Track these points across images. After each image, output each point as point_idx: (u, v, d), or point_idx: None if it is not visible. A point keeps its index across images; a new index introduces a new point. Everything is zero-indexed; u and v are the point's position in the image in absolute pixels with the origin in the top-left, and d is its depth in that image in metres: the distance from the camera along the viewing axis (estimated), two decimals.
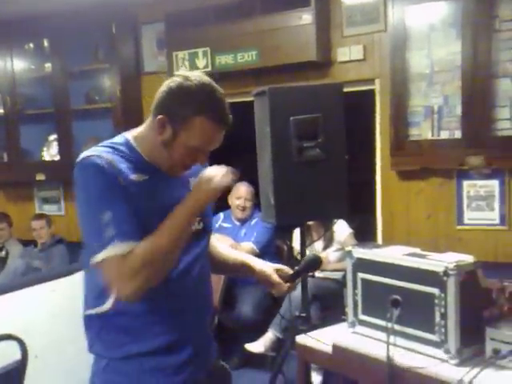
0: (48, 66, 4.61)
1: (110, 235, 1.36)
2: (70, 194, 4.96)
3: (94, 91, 4.59)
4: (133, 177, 1.43)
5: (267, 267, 1.74)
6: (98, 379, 1.59)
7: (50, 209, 5.01)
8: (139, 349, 1.50)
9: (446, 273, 1.99)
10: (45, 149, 4.83)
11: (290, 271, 1.77)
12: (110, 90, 4.46)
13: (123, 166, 1.43)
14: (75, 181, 1.44)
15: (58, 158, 4.70)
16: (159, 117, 1.44)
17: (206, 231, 1.62)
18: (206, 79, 1.47)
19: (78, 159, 1.45)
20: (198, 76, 1.47)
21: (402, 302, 2.08)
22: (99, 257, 1.38)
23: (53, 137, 4.76)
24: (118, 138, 1.55)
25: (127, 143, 1.51)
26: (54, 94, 4.60)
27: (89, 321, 1.61)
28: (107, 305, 1.51)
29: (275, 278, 1.72)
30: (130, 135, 1.55)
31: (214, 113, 1.43)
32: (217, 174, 1.44)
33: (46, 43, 4.62)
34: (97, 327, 1.58)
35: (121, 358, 1.52)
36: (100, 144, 1.52)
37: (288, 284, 1.74)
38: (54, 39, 4.52)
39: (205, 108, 1.42)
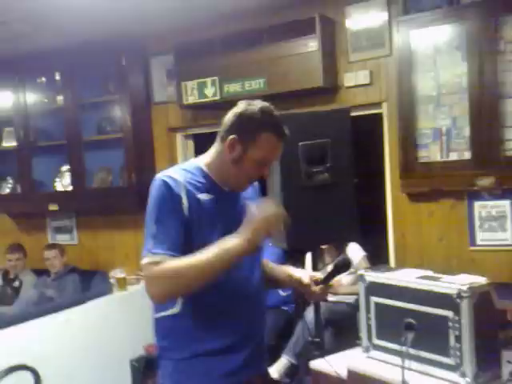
0: (60, 98, 4.70)
1: (150, 246, 1.59)
2: (83, 223, 5.01)
3: (106, 122, 4.66)
4: (200, 196, 1.65)
5: (304, 274, 1.88)
6: (167, 381, 1.74)
7: (62, 238, 5.05)
8: (202, 349, 1.65)
9: (459, 295, 1.98)
10: (57, 179, 4.89)
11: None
12: (120, 121, 4.53)
13: (192, 187, 1.65)
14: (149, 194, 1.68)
15: (70, 188, 4.75)
16: (230, 137, 1.67)
17: (258, 249, 1.76)
18: (265, 103, 1.72)
19: (155, 177, 1.69)
20: (258, 102, 1.74)
21: (416, 326, 2.06)
22: (142, 261, 1.60)
23: (65, 167, 4.82)
24: (189, 164, 1.76)
25: (198, 168, 1.73)
26: (66, 125, 4.67)
27: (158, 323, 1.75)
28: (176, 308, 1.67)
29: (307, 281, 1.83)
30: (200, 161, 1.76)
31: (275, 128, 1.68)
32: (268, 219, 1.59)
33: (57, 76, 4.71)
34: (166, 329, 1.73)
35: (187, 358, 1.67)
36: (175, 167, 1.74)
37: (320, 286, 1.84)
38: (65, 72, 4.61)
39: (269, 125, 1.67)
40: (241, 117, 1.70)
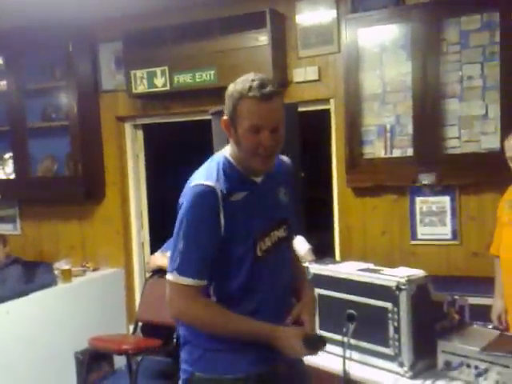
0: (3, 83, 4.53)
1: (175, 265, 1.62)
2: (26, 213, 4.88)
3: (51, 109, 4.54)
4: (233, 197, 1.63)
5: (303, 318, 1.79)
6: (192, 367, 1.72)
7: (4, 228, 4.89)
8: (228, 341, 1.66)
9: (398, 287, 2.06)
10: (0, 167, 4.74)
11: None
12: (67, 108, 4.42)
13: (226, 186, 1.63)
14: (182, 200, 1.66)
15: (13, 176, 4.61)
16: (222, 120, 1.67)
17: (288, 239, 1.81)
18: (249, 75, 1.66)
19: (191, 184, 1.66)
20: (246, 75, 1.66)
21: (357, 317, 2.13)
22: (168, 276, 1.65)
23: (8, 155, 4.67)
24: (218, 158, 1.72)
25: (227, 161, 1.70)
26: (10, 111, 4.52)
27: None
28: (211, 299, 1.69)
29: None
30: (226, 153, 1.73)
31: (250, 91, 1.59)
32: (295, 348, 1.62)
33: (0, 60, 4.54)
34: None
35: (213, 348, 1.68)
36: (207, 166, 1.70)
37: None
38: (9, 56, 4.45)
39: (243, 93, 1.60)
40: (226, 97, 1.67)
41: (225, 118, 1.67)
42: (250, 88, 1.60)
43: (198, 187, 1.62)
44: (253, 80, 1.61)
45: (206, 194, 1.61)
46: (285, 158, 1.87)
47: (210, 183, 1.62)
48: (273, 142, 1.63)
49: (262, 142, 1.62)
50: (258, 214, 1.69)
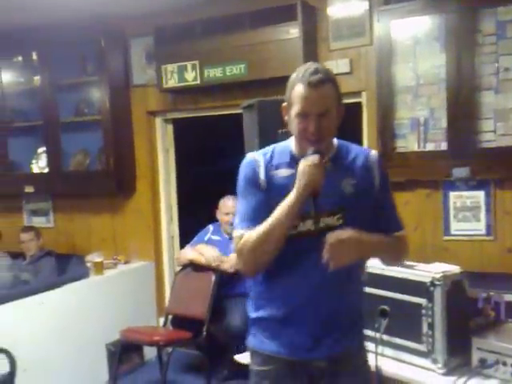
0: (37, 78, 4.60)
1: (237, 221, 1.77)
2: (59, 206, 4.96)
3: (83, 104, 4.60)
4: (280, 172, 1.75)
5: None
6: (249, 337, 1.91)
7: (38, 221, 4.99)
8: (263, 314, 1.80)
9: (432, 283, 2.03)
10: (34, 161, 4.83)
11: None
12: (99, 103, 4.47)
13: (271, 164, 1.76)
14: None
15: (46, 170, 4.69)
16: (282, 106, 1.77)
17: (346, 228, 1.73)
18: (309, 63, 1.76)
19: None
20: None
21: (390, 313, 2.11)
22: (233, 235, 1.79)
23: (42, 149, 4.75)
24: (283, 142, 1.84)
25: (285, 144, 1.82)
26: (43, 106, 4.59)
27: (250, 289, 1.90)
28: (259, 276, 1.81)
29: None
30: (291, 138, 1.83)
31: (302, 78, 1.69)
32: (306, 169, 1.65)
33: (34, 56, 4.61)
34: (252, 293, 1.87)
35: (256, 319, 1.84)
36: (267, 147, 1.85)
37: None
38: (42, 52, 4.51)
39: (296, 79, 1.71)
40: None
41: (284, 104, 1.76)
42: (303, 75, 1.69)
43: (245, 158, 1.82)
44: (308, 68, 1.71)
45: (247, 163, 1.80)
46: (371, 152, 1.86)
47: (255, 155, 1.80)
48: (318, 128, 1.68)
49: (307, 128, 1.69)
50: (316, 194, 1.68)
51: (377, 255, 1.85)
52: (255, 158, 1.79)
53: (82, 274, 4.07)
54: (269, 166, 1.76)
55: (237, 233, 1.75)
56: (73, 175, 4.62)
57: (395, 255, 1.86)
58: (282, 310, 1.77)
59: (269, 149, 1.82)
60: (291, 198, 1.65)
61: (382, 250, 1.81)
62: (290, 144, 1.80)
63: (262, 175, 1.75)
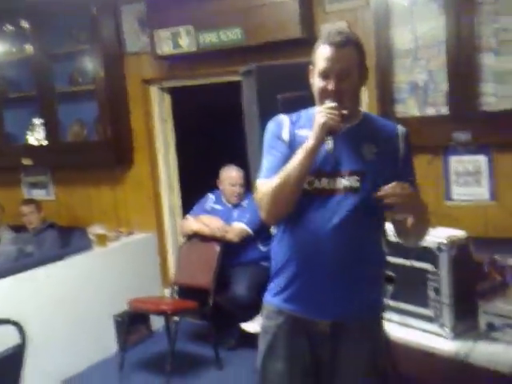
0: (28, 47, 4.52)
1: (260, 174, 1.82)
2: (59, 178, 4.94)
3: (77, 73, 4.53)
4: (302, 132, 1.79)
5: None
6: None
7: (38, 194, 4.97)
8: (277, 270, 1.86)
9: (439, 248, 2.05)
10: (29, 133, 4.77)
11: None
12: (93, 72, 4.40)
13: (295, 125, 1.83)
14: None
15: (44, 142, 4.65)
16: (309, 69, 1.82)
17: (360, 192, 1.75)
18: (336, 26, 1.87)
19: None
20: None
21: (396, 279, 2.14)
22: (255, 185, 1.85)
23: (37, 120, 4.69)
24: (314, 107, 1.85)
25: (311, 108, 1.84)
26: (36, 76, 4.52)
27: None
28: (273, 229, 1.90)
29: None
30: None
31: (325, 38, 1.75)
32: (323, 110, 1.69)
33: (26, 25, 4.51)
34: (271, 251, 1.92)
35: (272, 275, 1.89)
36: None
37: None
38: (34, 21, 4.42)
39: (321, 40, 1.77)
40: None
41: (310, 66, 1.81)
42: (327, 36, 1.74)
43: (274, 117, 1.90)
44: (333, 29, 1.77)
45: (274, 121, 1.88)
46: (397, 126, 1.86)
47: (282, 116, 1.88)
48: (338, 88, 1.71)
49: (327, 88, 1.72)
50: (323, 154, 1.73)
51: (420, 222, 1.80)
52: (281, 118, 1.87)
53: (86, 246, 4.08)
54: (293, 126, 1.83)
55: (259, 183, 1.81)
56: (71, 146, 4.59)
57: (427, 227, 1.86)
58: (293, 266, 1.81)
59: (296, 113, 1.88)
60: (309, 141, 1.70)
61: (426, 219, 1.81)
62: (315, 109, 1.81)
63: (285, 132, 1.82)
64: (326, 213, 1.73)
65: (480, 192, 3.41)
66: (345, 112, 1.71)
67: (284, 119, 1.85)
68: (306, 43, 3.69)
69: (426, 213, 1.80)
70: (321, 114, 1.68)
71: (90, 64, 4.43)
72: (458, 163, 3.45)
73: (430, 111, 3.40)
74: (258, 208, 1.80)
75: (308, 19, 3.70)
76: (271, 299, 1.89)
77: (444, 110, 3.34)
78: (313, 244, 1.75)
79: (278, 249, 1.87)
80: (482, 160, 3.38)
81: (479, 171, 3.40)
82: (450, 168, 3.46)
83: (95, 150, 4.43)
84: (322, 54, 1.73)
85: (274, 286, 1.89)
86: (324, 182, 1.75)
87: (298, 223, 1.77)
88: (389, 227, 1.86)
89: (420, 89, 3.43)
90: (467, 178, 3.44)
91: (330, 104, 1.70)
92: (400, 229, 1.82)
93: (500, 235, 3.25)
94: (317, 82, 1.76)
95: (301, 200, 1.74)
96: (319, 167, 1.74)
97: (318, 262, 1.75)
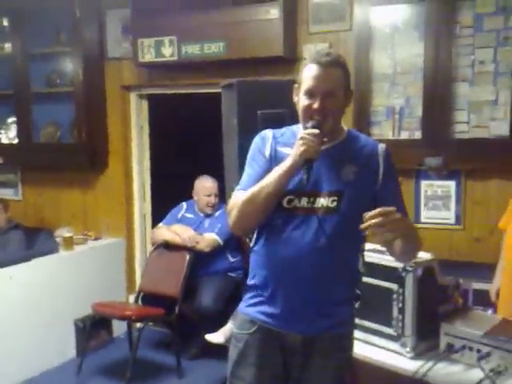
0: (8, 46, 4.47)
1: (238, 186, 1.86)
2: (28, 179, 4.86)
3: (56, 75, 4.49)
4: (283, 150, 1.82)
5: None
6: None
7: (5, 193, 4.88)
8: (253, 282, 1.88)
9: (404, 269, 2.08)
10: (2, 131, 4.70)
11: None
12: (72, 74, 4.37)
13: (278, 142, 1.85)
14: None
15: (16, 141, 4.59)
16: (294, 87, 1.85)
17: (338, 212, 1.77)
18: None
19: None
20: None
21: (362, 296, 2.15)
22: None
23: (11, 119, 4.63)
24: (297, 124, 1.88)
25: (296, 126, 1.87)
26: (14, 75, 4.47)
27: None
28: (252, 242, 1.91)
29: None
30: None
31: (313, 58, 1.78)
32: (304, 137, 1.70)
33: (5, 22, 4.47)
34: (250, 262, 1.94)
35: (248, 286, 1.91)
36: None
37: None
38: (15, 18, 4.38)
39: (308, 60, 1.80)
40: None
41: (295, 85, 1.83)
42: (315, 56, 1.78)
43: (260, 132, 1.93)
44: (321, 51, 1.85)
45: (259, 136, 1.90)
46: (379, 145, 1.86)
47: (267, 131, 1.90)
48: (323, 107, 1.73)
49: (312, 107, 1.74)
50: (310, 164, 1.74)
51: (410, 243, 1.79)
52: (266, 133, 1.89)
53: (52, 249, 4.02)
54: (275, 142, 1.85)
55: (234, 193, 1.84)
56: (43, 147, 4.53)
57: (417, 246, 1.85)
58: (268, 279, 1.83)
59: (282, 129, 1.91)
60: (286, 162, 1.72)
61: (416, 239, 1.80)
62: (299, 127, 1.84)
63: (267, 148, 1.84)
64: (304, 232, 1.76)
65: (447, 216, 3.49)
66: (325, 140, 1.74)
67: (268, 135, 1.87)
68: (288, 62, 3.78)
69: (415, 234, 1.81)
70: (302, 140, 1.68)
71: (70, 66, 4.40)
72: (428, 187, 3.53)
73: (404, 135, 3.48)
74: (228, 216, 1.83)
75: (291, 38, 3.76)
76: (245, 309, 1.91)
77: (418, 135, 3.42)
78: (290, 262, 1.77)
79: (255, 264, 1.89)
80: (451, 185, 3.46)
81: (448, 196, 3.49)
82: (421, 191, 3.53)
83: (68, 152, 4.38)
84: (309, 73, 1.75)
85: (248, 297, 1.91)
86: (304, 201, 1.77)
87: (277, 240, 1.79)
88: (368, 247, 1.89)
89: (396, 113, 3.50)
90: (436, 202, 3.52)
91: (313, 130, 1.70)
92: (389, 250, 1.84)
93: (463, 259, 3.33)
94: (302, 101, 1.77)
95: (280, 218, 1.77)
96: (300, 187, 1.75)
97: (293, 280, 1.78)
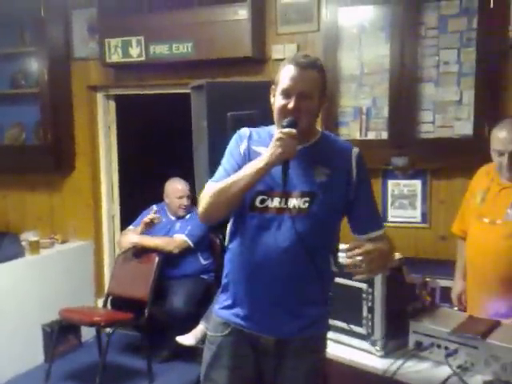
0: None
1: (213, 177, 1.86)
2: None
3: (20, 75, 4.40)
4: (257, 149, 1.83)
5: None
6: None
7: None
8: (226, 281, 1.90)
9: None
10: None
11: None
12: (37, 75, 4.29)
13: (254, 140, 1.87)
14: None
15: None
16: (271, 88, 1.86)
17: (310, 214, 1.78)
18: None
19: None
20: None
21: (332, 296, 2.17)
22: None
23: None
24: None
25: (273, 126, 1.87)
26: None
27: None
28: (226, 241, 1.94)
29: None
30: None
31: (291, 60, 1.80)
32: (282, 138, 1.70)
33: None
34: (225, 256, 1.94)
35: (222, 286, 1.93)
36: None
37: None
38: None
39: (286, 61, 1.82)
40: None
41: (272, 86, 1.84)
42: (293, 58, 1.81)
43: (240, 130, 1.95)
44: (300, 53, 1.91)
45: (237, 133, 1.93)
46: (353, 148, 1.86)
47: (245, 130, 1.92)
48: (297, 107, 1.74)
49: (287, 106, 1.76)
50: (276, 173, 1.75)
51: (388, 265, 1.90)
52: (244, 131, 1.91)
53: (17, 253, 3.93)
54: (250, 141, 1.87)
55: (208, 183, 1.85)
56: (7, 149, 4.43)
57: (391, 259, 1.93)
58: (241, 280, 1.83)
59: (259, 128, 1.93)
60: (261, 160, 1.72)
61: (390, 258, 1.88)
62: (274, 127, 1.86)
63: (243, 146, 1.86)
64: (275, 232, 1.76)
65: (413, 214, 3.55)
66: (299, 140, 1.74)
67: (245, 133, 1.89)
68: (257, 62, 3.79)
69: (391, 253, 1.86)
70: (279, 141, 1.69)
71: (35, 66, 4.32)
72: (395, 186, 3.58)
73: (371, 135, 3.53)
74: (198, 205, 1.86)
75: (259, 39, 3.77)
76: (219, 311, 1.91)
77: (384, 135, 3.47)
78: (261, 262, 1.78)
79: (229, 263, 1.89)
80: (417, 184, 3.52)
81: (414, 195, 3.55)
82: (388, 191, 3.59)
83: (33, 154, 4.30)
84: (286, 74, 1.76)
85: (222, 299, 1.91)
86: (276, 202, 1.77)
87: (249, 240, 1.80)
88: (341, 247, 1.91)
89: (363, 113, 3.54)
90: (402, 201, 3.58)
91: (290, 130, 1.70)
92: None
93: (429, 257, 3.40)
94: (278, 100, 1.78)
95: (252, 217, 1.78)
96: (272, 186, 1.77)
97: (265, 281, 1.79)
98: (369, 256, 1.67)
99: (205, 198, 1.80)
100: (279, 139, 1.69)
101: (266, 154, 1.72)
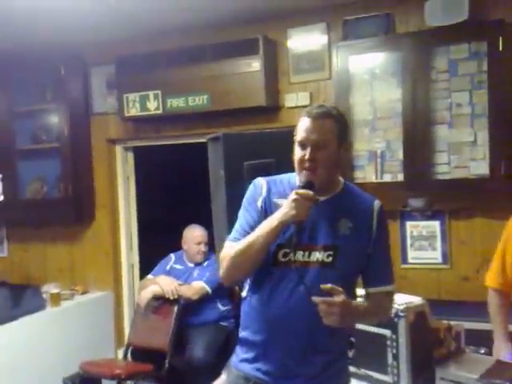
0: None
1: (231, 234, 1.87)
2: (14, 235, 4.82)
3: (42, 131, 4.52)
4: (278, 200, 1.81)
5: None
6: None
7: None
8: (245, 335, 1.88)
9: (396, 315, 2.09)
10: None
11: None
12: (57, 130, 4.40)
13: (273, 192, 1.85)
14: None
15: (1, 197, 4.56)
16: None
17: (334, 267, 1.78)
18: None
19: None
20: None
21: (356, 344, 2.15)
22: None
23: None
24: (293, 173, 1.90)
25: (294, 176, 1.88)
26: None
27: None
28: (244, 292, 1.94)
29: None
30: None
31: (306, 112, 1.83)
32: (297, 200, 1.69)
33: None
34: (241, 313, 1.95)
35: (240, 338, 1.91)
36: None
37: None
38: (0, 76, 4.43)
39: (303, 113, 1.84)
40: None
41: (294, 137, 1.86)
42: (309, 109, 1.83)
43: (254, 181, 1.94)
44: (315, 104, 1.91)
45: (253, 184, 1.91)
46: (375, 201, 1.87)
47: (262, 180, 1.91)
48: (313, 157, 1.75)
49: (304, 158, 1.77)
50: (300, 225, 1.74)
51: (361, 323, 1.96)
52: (260, 182, 1.89)
53: (38, 306, 3.95)
54: (269, 192, 1.86)
55: (226, 242, 1.86)
56: (29, 203, 4.51)
57: (378, 319, 1.95)
58: (259, 334, 1.82)
59: (277, 176, 1.92)
60: (275, 219, 1.72)
61: (367, 319, 1.91)
62: (293, 175, 1.87)
63: (260, 200, 1.85)
64: (298, 286, 1.75)
65: (433, 256, 3.52)
66: (318, 198, 1.74)
67: (262, 185, 1.87)
68: (270, 111, 3.86)
69: (369, 315, 1.86)
70: (295, 202, 1.68)
71: (56, 122, 4.44)
72: (414, 228, 3.57)
73: (387, 178, 3.54)
74: (220, 266, 1.84)
75: (273, 89, 3.86)
76: (239, 365, 1.88)
77: (400, 177, 3.49)
78: (283, 317, 1.76)
79: (247, 315, 1.88)
80: (435, 225, 3.51)
81: (433, 236, 3.53)
82: (406, 232, 3.58)
83: (54, 207, 4.37)
84: (301, 125, 1.80)
85: (241, 351, 1.88)
86: (299, 255, 1.77)
87: (270, 294, 1.79)
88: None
89: (378, 157, 3.57)
90: (422, 242, 3.56)
91: (307, 192, 1.70)
92: None
93: (452, 298, 3.35)
94: (296, 152, 1.81)
95: (275, 271, 1.78)
96: (296, 240, 1.74)
97: (288, 336, 1.77)
98: (328, 309, 1.65)
99: (225, 261, 1.80)
100: (294, 200, 1.69)
101: (281, 210, 1.72)
